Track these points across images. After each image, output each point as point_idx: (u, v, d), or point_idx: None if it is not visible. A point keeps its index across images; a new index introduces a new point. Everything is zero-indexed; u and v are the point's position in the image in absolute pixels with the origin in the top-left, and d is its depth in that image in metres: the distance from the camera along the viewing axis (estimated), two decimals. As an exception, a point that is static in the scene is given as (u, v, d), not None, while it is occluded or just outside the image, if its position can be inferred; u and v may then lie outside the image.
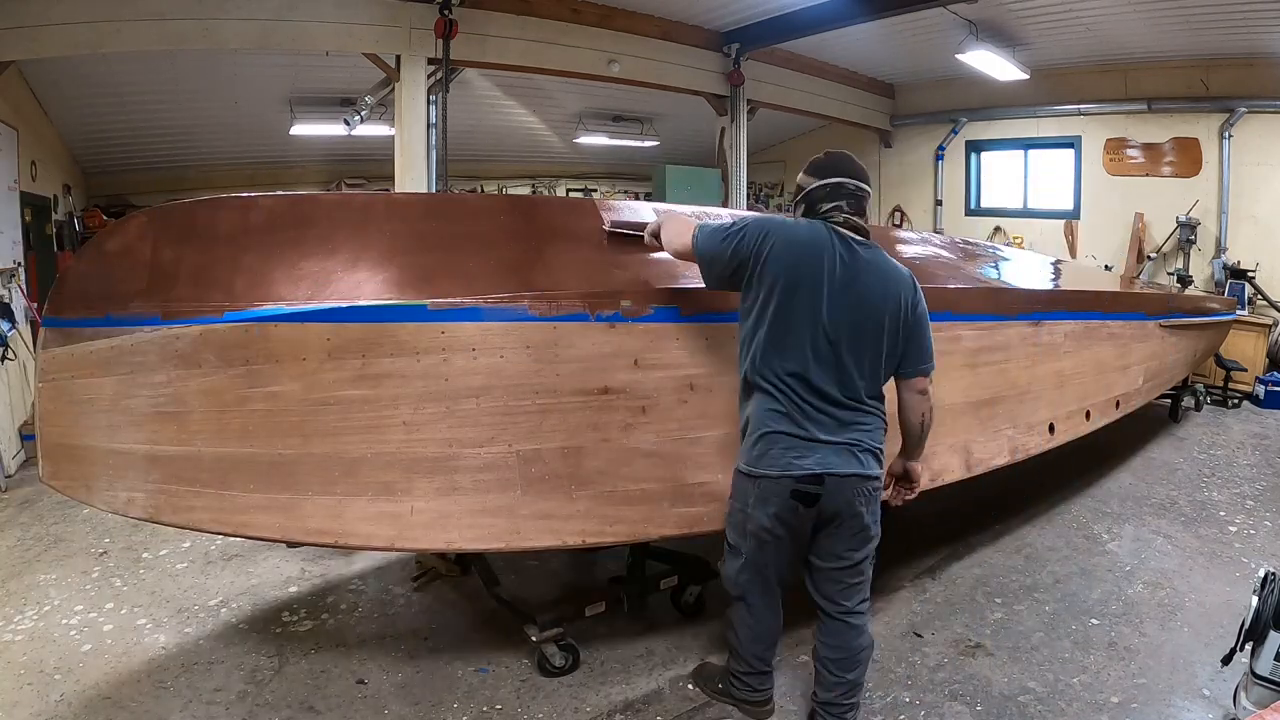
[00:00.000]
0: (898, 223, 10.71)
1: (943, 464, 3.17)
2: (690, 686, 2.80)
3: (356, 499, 2.28)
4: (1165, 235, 8.30)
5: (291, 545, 3.04)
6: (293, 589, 3.56)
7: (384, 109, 7.68)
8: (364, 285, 2.50)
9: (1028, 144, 9.65)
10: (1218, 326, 6.28)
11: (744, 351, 2.36)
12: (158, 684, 2.79)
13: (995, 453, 3.44)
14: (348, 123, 8.16)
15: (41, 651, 2.98)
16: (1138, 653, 3.01)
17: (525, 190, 11.81)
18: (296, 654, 3.01)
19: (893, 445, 2.52)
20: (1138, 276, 8.29)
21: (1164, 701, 2.70)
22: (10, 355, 5.23)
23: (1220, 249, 7.93)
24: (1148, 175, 8.48)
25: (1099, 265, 8.76)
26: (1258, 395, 7.12)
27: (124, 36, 5.39)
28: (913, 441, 2.50)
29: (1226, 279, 7.72)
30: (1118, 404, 4.45)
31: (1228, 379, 7.16)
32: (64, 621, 3.22)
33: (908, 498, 2.64)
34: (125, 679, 2.78)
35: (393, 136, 6.81)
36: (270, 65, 7.35)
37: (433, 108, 6.63)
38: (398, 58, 6.43)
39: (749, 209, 9.57)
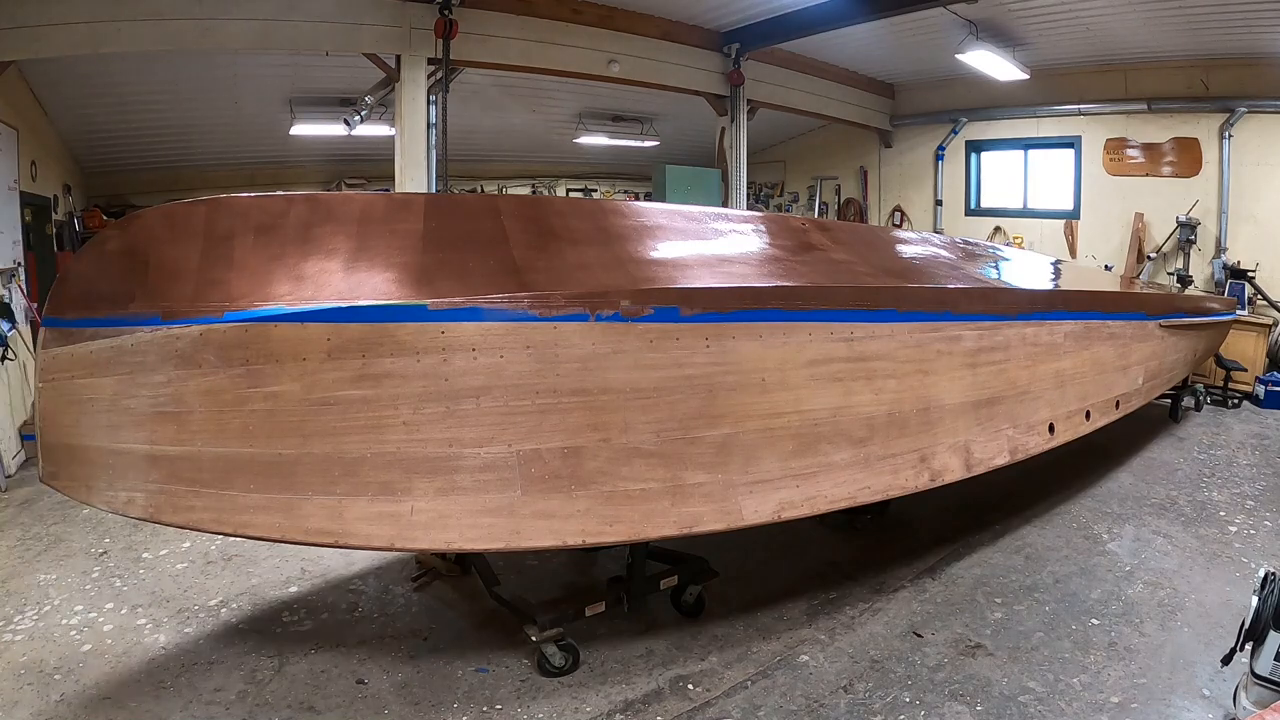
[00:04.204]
0: (898, 223, 10.69)
1: (943, 464, 3.17)
2: (691, 687, 2.80)
3: (357, 499, 2.28)
4: (1165, 235, 8.30)
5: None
6: (293, 589, 3.56)
7: (384, 109, 7.68)
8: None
9: (1028, 144, 9.65)
10: (1218, 326, 6.28)
11: None
12: (158, 684, 2.79)
13: (995, 453, 3.44)
14: (348, 123, 8.15)
15: (41, 651, 2.98)
16: (1138, 653, 3.01)
17: (525, 190, 11.81)
18: (296, 654, 3.01)
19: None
20: (1138, 276, 8.29)
21: (1164, 701, 2.70)
22: (10, 355, 5.23)
23: (1220, 249, 7.93)
24: (1148, 175, 8.48)
25: (1099, 265, 8.75)
26: (1258, 395, 7.12)
27: (123, 36, 5.40)
28: None
29: (1226, 279, 7.72)
30: (1118, 404, 4.45)
31: (1228, 379, 7.16)
32: (64, 621, 3.22)
33: None
34: (125, 679, 2.78)
35: (393, 136, 6.82)
36: (270, 65, 7.35)
37: (433, 108, 6.63)
38: (398, 58, 6.43)
39: (749, 209, 9.57)
